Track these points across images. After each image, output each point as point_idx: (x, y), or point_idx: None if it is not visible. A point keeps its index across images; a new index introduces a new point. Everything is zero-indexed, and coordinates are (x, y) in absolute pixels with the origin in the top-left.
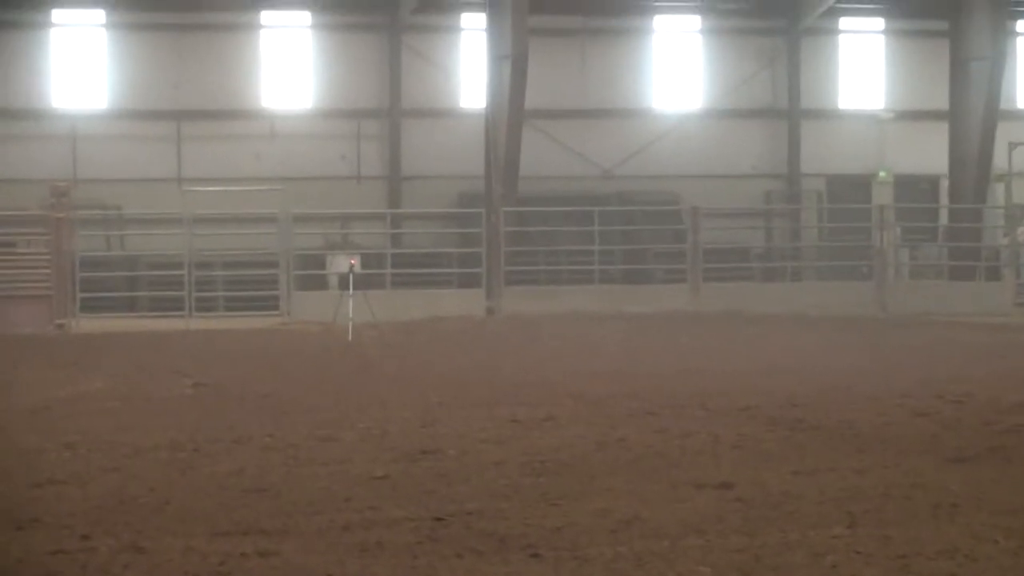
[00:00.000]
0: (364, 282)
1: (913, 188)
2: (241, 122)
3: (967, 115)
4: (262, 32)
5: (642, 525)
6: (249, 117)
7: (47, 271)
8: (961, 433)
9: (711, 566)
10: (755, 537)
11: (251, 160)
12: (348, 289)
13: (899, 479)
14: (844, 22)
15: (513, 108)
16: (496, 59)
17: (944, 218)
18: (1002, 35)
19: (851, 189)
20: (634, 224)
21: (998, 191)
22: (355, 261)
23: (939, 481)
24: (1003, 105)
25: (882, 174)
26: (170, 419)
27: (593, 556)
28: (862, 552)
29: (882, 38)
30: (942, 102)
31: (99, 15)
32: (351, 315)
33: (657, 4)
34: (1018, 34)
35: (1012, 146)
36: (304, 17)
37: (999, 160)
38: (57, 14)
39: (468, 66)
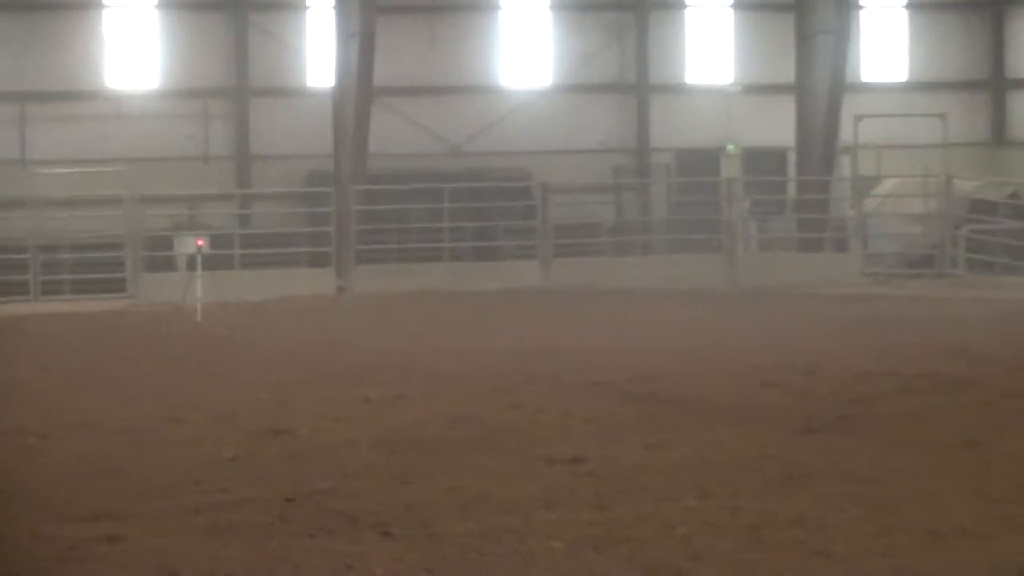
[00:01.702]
0: (213, 263)
1: (761, 161)
2: (86, 103)
3: (813, 88)
4: (105, 11)
5: (494, 501)
6: (94, 98)
7: None
8: (811, 403)
9: (563, 541)
10: (607, 511)
11: (97, 141)
12: (196, 270)
13: (750, 450)
14: None
15: (361, 86)
16: (344, 37)
17: (792, 190)
18: (846, 9)
19: (700, 162)
20: (484, 201)
21: (844, 163)
22: (203, 242)
23: (789, 452)
24: (848, 78)
25: (730, 147)
26: (18, 404)
27: (444, 533)
28: (714, 523)
29: (730, 12)
30: (789, 76)
31: None
32: (200, 296)
33: None
34: (861, 7)
35: (858, 119)
36: None
37: (845, 133)
38: None
39: (316, 44)
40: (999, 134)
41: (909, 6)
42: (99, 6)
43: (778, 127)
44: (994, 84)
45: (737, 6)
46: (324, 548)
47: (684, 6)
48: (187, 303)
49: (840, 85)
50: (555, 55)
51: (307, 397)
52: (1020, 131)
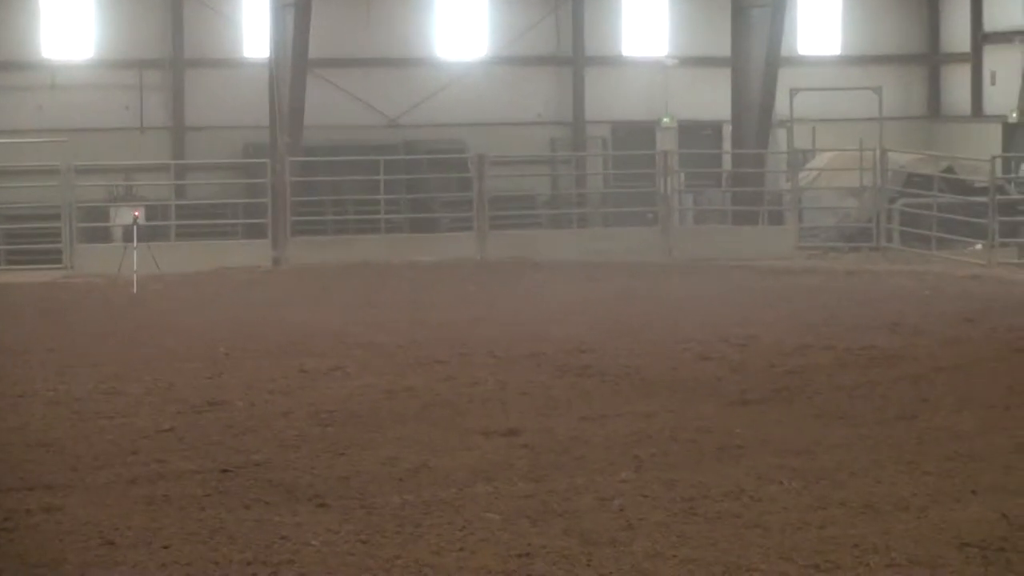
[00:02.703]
0: (148, 234)
1: (697, 134)
2: (21, 73)
3: (749, 62)
4: None
5: (430, 473)
6: (29, 68)
7: None
8: (745, 376)
9: (499, 512)
10: (543, 483)
11: (32, 112)
12: (132, 241)
13: (685, 423)
14: None
15: (297, 57)
16: (279, 7)
17: (728, 164)
18: None
19: (636, 135)
20: (420, 173)
21: (780, 137)
22: (139, 213)
23: (724, 424)
24: (784, 51)
25: (666, 120)
26: None
27: (381, 505)
28: (649, 496)
29: None
30: (724, 49)
31: None
32: (136, 267)
33: None
34: None
35: (793, 92)
36: None
37: (781, 106)
38: None
39: (252, 14)
40: (934, 108)
41: None
42: None
43: (714, 100)
44: (929, 58)
45: None
46: (260, 519)
47: None
48: (123, 274)
49: (776, 58)
50: (491, 27)
51: (243, 368)
52: (955, 105)
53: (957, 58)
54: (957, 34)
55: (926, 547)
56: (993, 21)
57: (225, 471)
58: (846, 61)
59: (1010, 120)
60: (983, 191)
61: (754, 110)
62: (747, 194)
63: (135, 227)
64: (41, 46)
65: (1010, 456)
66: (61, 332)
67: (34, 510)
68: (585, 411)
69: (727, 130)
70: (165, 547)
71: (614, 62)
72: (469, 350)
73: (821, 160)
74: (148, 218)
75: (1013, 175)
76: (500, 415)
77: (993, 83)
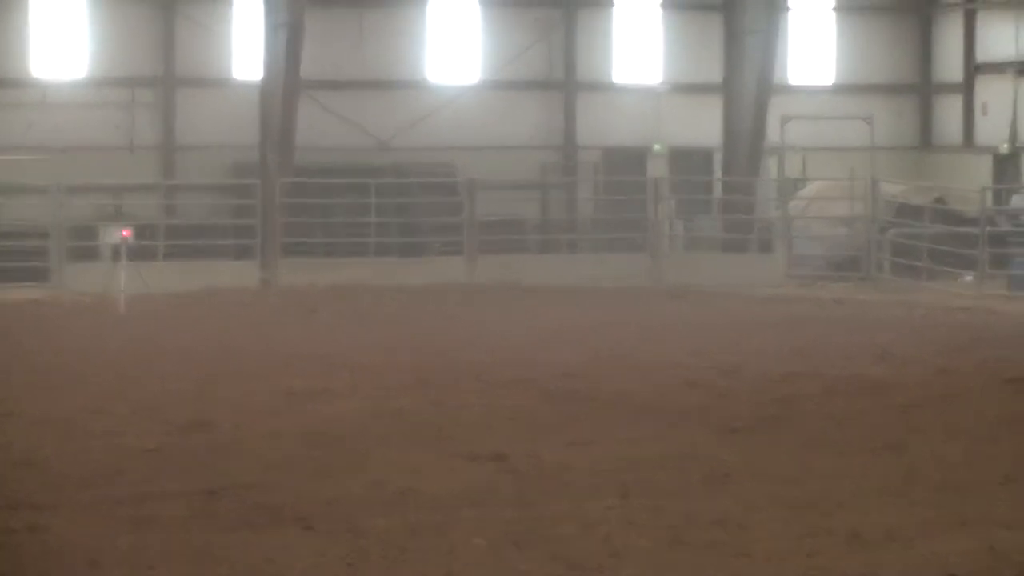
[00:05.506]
0: (137, 253)
1: (688, 161)
2: (12, 91)
3: (741, 89)
4: None
5: (416, 497)
6: (20, 86)
7: None
8: (733, 404)
9: (485, 538)
10: (529, 508)
11: (22, 130)
12: (121, 260)
13: (672, 450)
14: None
15: (289, 78)
16: (272, 28)
17: (718, 191)
18: (775, 9)
19: (627, 162)
20: (410, 196)
21: (771, 165)
22: (128, 232)
23: (711, 451)
24: (776, 80)
25: (657, 147)
26: None
27: (367, 528)
28: (635, 523)
29: (658, 11)
30: (716, 76)
31: None
32: (123, 287)
33: None
34: (789, 9)
35: (784, 120)
36: None
37: (772, 134)
38: None
39: (244, 35)
40: (925, 138)
41: (837, 9)
42: None
43: (705, 127)
44: (921, 88)
45: (666, 5)
46: (245, 541)
47: (612, 4)
48: (110, 294)
49: (767, 86)
50: (483, 51)
51: (230, 389)
52: (946, 136)
53: (949, 88)
54: (949, 64)
55: None
56: (985, 52)
57: (211, 492)
58: (838, 90)
59: (1001, 151)
60: (973, 222)
61: (745, 138)
62: (737, 222)
63: (124, 246)
64: (32, 64)
65: (998, 487)
66: (47, 351)
67: (18, 529)
68: (572, 436)
69: (718, 157)
70: (150, 568)
71: (606, 88)
72: (456, 374)
73: (812, 189)
74: (137, 237)
75: (1003, 206)
76: (487, 439)
77: (985, 114)
